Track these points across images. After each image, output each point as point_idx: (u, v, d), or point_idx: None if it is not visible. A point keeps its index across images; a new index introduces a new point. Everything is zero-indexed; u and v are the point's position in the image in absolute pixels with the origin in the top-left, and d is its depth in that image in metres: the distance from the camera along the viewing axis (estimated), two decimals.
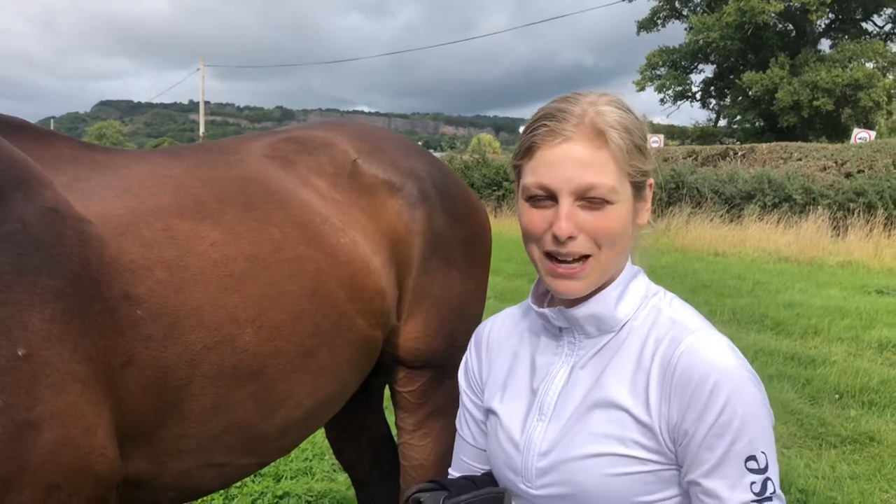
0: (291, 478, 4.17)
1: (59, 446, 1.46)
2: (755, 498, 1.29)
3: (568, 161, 1.34)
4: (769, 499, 1.29)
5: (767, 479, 1.29)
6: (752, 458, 1.29)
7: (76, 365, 1.49)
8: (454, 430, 2.45)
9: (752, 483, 1.29)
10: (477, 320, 2.46)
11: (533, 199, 1.39)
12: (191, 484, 1.83)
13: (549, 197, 1.36)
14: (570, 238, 1.34)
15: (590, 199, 1.34)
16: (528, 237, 1.41)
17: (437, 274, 2.24)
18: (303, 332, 1.87)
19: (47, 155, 1.70)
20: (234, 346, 1.74)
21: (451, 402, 2.42)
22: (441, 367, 2.32)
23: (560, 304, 1.47)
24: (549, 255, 1.38)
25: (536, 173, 1.37)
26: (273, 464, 4.29)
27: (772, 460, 1.31)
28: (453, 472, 1.74)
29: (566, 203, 1.34)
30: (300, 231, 1.95)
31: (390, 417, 2.53)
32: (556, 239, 1.35)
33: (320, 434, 4.00)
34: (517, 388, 1.54)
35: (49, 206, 1.56)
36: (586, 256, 1.36)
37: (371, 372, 2.28)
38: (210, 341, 1.69)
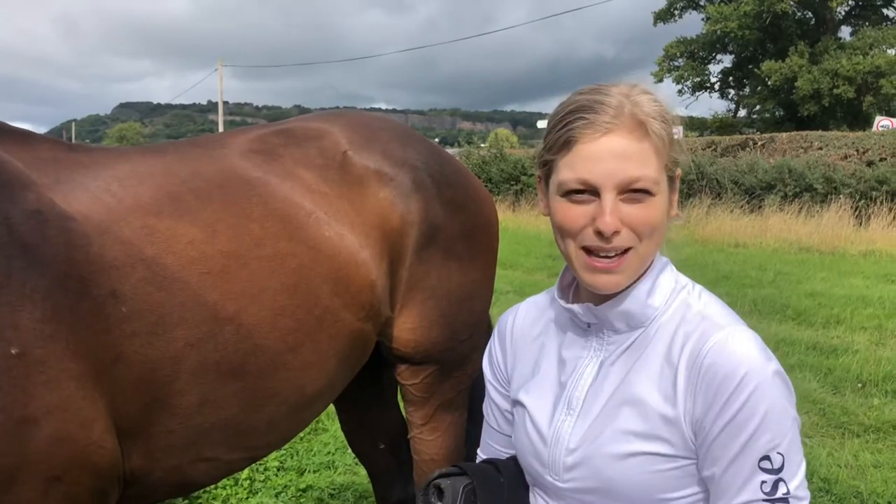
0: (314, 471, 4.21)
1: (57, 440, 1.51)
2: (764, 497, 1.28)
3: (610, 154, 1.31)
4: (782, 500, 1.28)
5: (780, 480, 1.28)
6: (766, 457, 1.28)
7: (69, 362, 1.53)
8: (465, 423, 2.47)
9: (763, 482, 1.28)
10: (481, 314, 2.45)
11: (570, 194, 1.35)
12: (182, 479, 1.85)
13: (588, 191, 1.33)
14: (615, 233, 1.32)
15: (632, 192, 1.32)
16: (565, 233, 1.38)
17: (433, 264, 2.22)
18: (284, 329, 1.87)
19: (28, 157, 1.71)
20: (216, 344, 1.75)
21: (459, 395, 2.42)
22: (443, 360, 2.31)
23: (588, 299, 1.45)
24: (587, 250, 1.35)
25: (575, 168, 1.33)
26: (296, 457, 4.34)
27: (790, 462, 1.29)
28: (481, 454, 1.75)
29: (609, 197, 1.31)
30: (282, 226, 1.93)
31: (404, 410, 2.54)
32: (599, 234, 1.32)
33: None
34: (545, 381, 1.54)
35: (32, 207, 1.59)
36: (627, 249, 1.34)
37: (382, 365, 2.29)
38: (192, 338, 1.71)
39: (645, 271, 1.42)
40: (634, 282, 1.41)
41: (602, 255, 1.34)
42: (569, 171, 1.34)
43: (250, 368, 1.82)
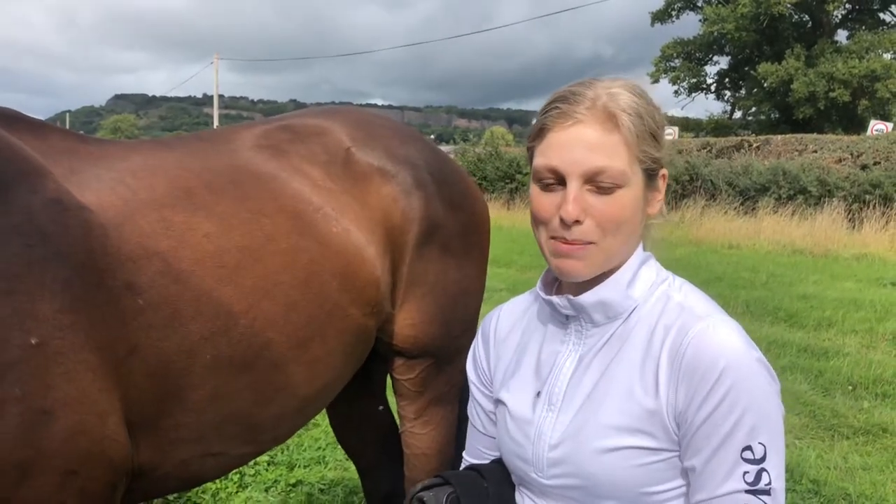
0: (304, 466, 4.21)
1: (74, 433, 1.49)
2: (747, 488, 1.27)
3: (578, 144, 1.33)
4: (764, 491, 1.27)
5: (763, 470, 1.27)
6: (748, 448, 1.27)
7: (87, 354, 1.52)
8: (456, 417, 2.47)
9: (746, 473, 1.27)
10: (475, 310, 2.47)
11: (543, 182, 1.38)
12: (190, 473, 1.85)
13: (558, 181, 1.35)
14: (577, 223, 1.33)
15: (599, 183, 1.33)
16: (537, 221, 1.40)
17: (432, 261, 2.24)
18: (296, 324, 1.88)
19: (42, 147, 1.70)
20: (230, 337, 1.76)
21: (452, 389, 2.43)
22: (439, 355, 2.32)
23: (568, 292, 1.45)
24: (555, 239, 1.37)
25: (546, 155, 1.36)
26: (286, 452, 4.34)
27: (772, 452, 1.28)
28: (468, 458, 1.74)
29: (574, 186, 1.33)
30: (293, 221, 1.95)
31: (394, 404, 2.55)
32: (563, 223, 1.33)
33: None
34: (525, 378, 1.53)
35: (52, 196, 1.57)
36: (589, 244, 1.35)
37: (373, 360, 2.29)
38: (207, 332, 1.71)
39: (624, 262, 1.43)
40: (614, 270, 1.41)
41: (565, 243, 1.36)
42: (541, 157, 1.37)
43: (262, 363, 1.83)
